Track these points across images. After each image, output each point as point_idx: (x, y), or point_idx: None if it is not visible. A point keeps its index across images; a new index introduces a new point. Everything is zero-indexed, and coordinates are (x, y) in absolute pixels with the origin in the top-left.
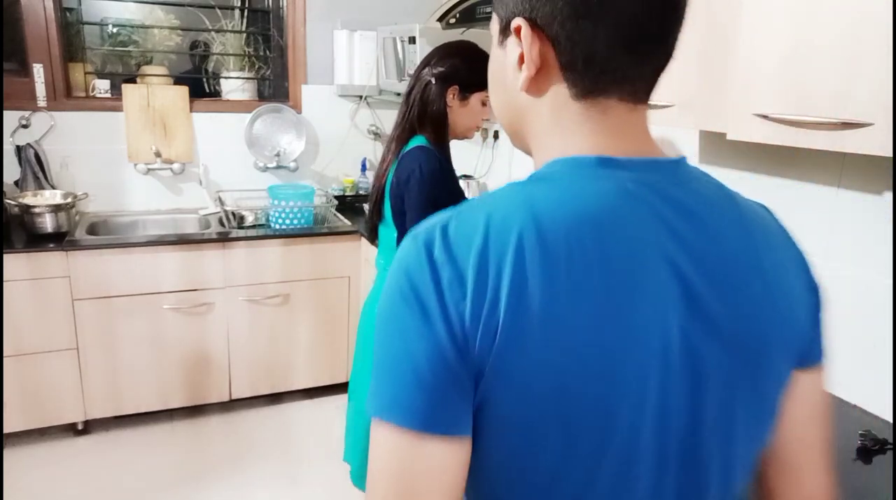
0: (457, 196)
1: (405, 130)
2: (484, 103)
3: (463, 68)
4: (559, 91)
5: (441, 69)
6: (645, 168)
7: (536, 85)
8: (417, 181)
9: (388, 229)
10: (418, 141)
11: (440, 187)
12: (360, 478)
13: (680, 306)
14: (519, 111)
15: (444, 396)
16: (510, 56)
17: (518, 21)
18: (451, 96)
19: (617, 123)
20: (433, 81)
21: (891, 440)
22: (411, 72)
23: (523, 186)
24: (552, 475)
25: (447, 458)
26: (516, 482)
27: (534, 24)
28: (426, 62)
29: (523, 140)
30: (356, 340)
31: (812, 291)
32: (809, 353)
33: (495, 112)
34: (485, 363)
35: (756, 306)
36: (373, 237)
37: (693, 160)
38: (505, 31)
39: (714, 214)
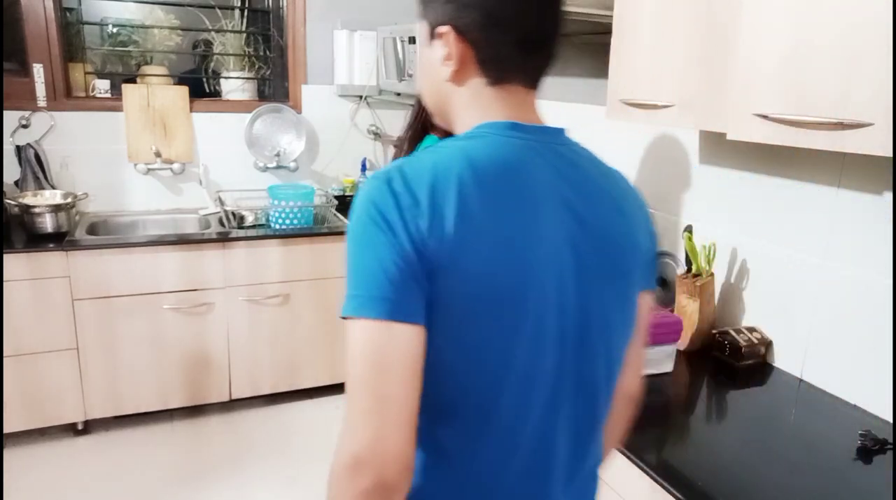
0: None
1: (417, 129)
2: None
3: None
4: (476, 80)
5: None
6: (540, 132)
7: (458, 76)
8: None
9: None
10: (432, 141)
11: None
12: None
13: (569, 223)
14: (444, 95)
15: (408, 290)
16: (437, 54)
17: (444, 28)
18: None
19: (519, 101)
20: None
21: (891, 440)
22: (411, 72)
23: (457, 141)
24: (482, 347)
25: (410, 340)
26: (458, 358)
27: (457, 31)
28: None
29: (446, 117)
30: None
31: (650, 235)
32: (647, 280)
33: (424, 96)
34: (437, 262)
35: (620, 234)
36: None
37: (693, 160)
38: (432, 34)
39: (588, 166)
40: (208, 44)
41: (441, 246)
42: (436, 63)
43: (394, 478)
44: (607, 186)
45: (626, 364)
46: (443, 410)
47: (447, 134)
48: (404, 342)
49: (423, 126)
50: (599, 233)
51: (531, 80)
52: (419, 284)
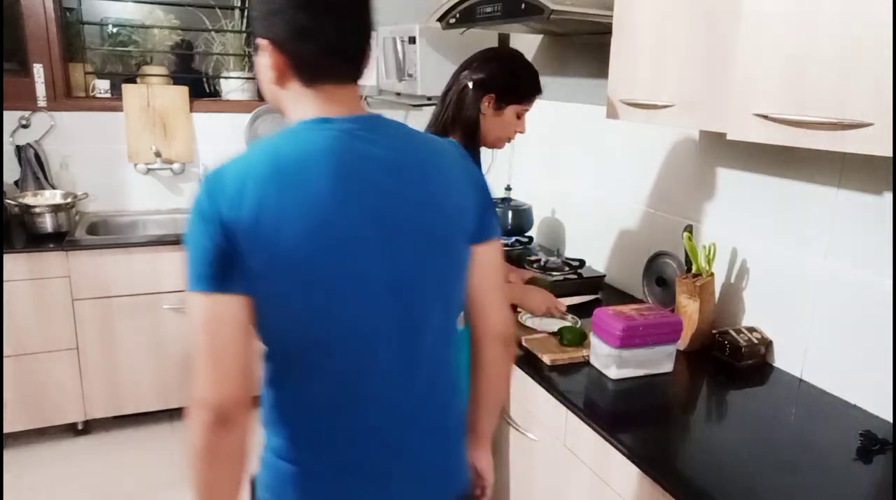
0: None
1: (438, 133)
2: (519, 116)
3: (503, 77)
4: (294, 83)
5: (480, 75)
6: (347, 121)
7: (280, 81)
8: None
9: None
10: (451, 144)
11: None
12: None
13: (371, 195)
14: (276, 97)
15: (224, 267)
16: (263, 61)
17: (263, 41)
18: (487, 104)
19: (329, 97)
20: (470, 86)
21: (891, 440)
22: (411, 72)
23: (274, 137)
24: (300, 308)
25: (230, 306)
26: (284, 317)
27: (273, 43)
28: (467, 64)
29: (283, 114)
30: None
31: (476, 190)
32: (480, 232)
33: (265, 97)
34: (244, 243)
35: (432, 196)
36: None
37: (693, 160)
38: (257, 46)
39: (398, 143)
40: (208, 44)
41: (246, 229)
42: (264, 69)
43: (228, 413)
44: (418, 157)
45: (484, 307)
46: (287, 357)
47: (468, 140)
48: (225, 308)
49: (443, 128)
50: (408, 199)
51: (343, 79)
52: (233, 261)
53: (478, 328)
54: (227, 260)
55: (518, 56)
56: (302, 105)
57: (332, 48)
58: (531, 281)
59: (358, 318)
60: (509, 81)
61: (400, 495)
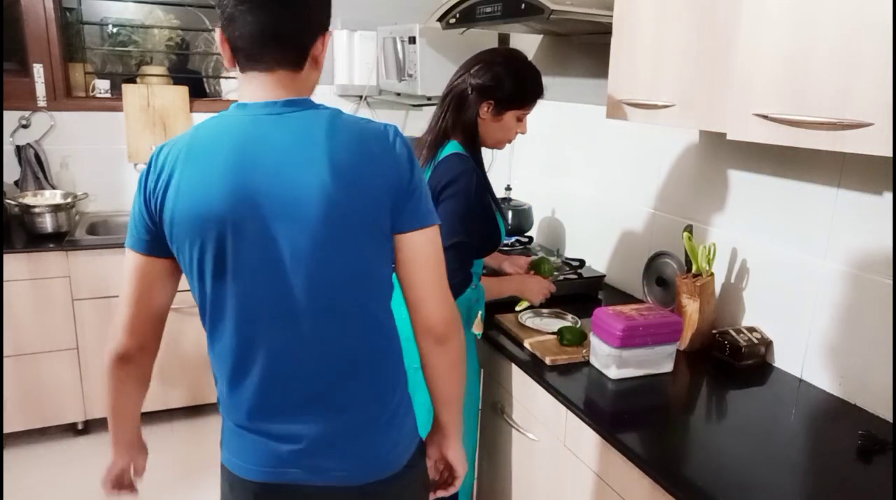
0: (488, 213)
1: (438, 135)
2: (519, 119)
3: (504, 84)
4: (238, 69)
5: (480, 80)
6: (261, 106)
7: (231, 65)
8: (454, 194)
9: None
10: (453, 147)
11: (474, 204)
12: None
13: (263, 183)
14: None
15: (142, 230)
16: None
17: (217, 29)
18: (485, 109)
19: (257, 84)
20: (470, 90)
21: (891, 440)
22: (411, 72)
23: (203, 122)
24: (194, 273)
25: (140, 262)
26: (189, 278)
27: (221, 30)
28: (469, 66)
29: None
30: None
31: (405, 179)
32: (401, 221)
33: None
34: (156, 210)
35: (325, 185)
36: None
37: (693, 160)
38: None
39: (306, 128)
40: (208, 44)
41: (157, 201)
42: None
43: (128, 354)
44: (322, 142)
45: (414, 301)
46: (203, 319)
47: (469, 143)
48: (136, 264)
49: (444, 131)
50: (294, 183)
51: (269, 66)
52: (149, 226)
53: (413, 323)
54: (145, 226)
55: (520, 59)
56: (240, 90)
57: (256, 37)
58: (536, 264)
59: (237, 295)
60: (510, 89)
61: (308, 468)
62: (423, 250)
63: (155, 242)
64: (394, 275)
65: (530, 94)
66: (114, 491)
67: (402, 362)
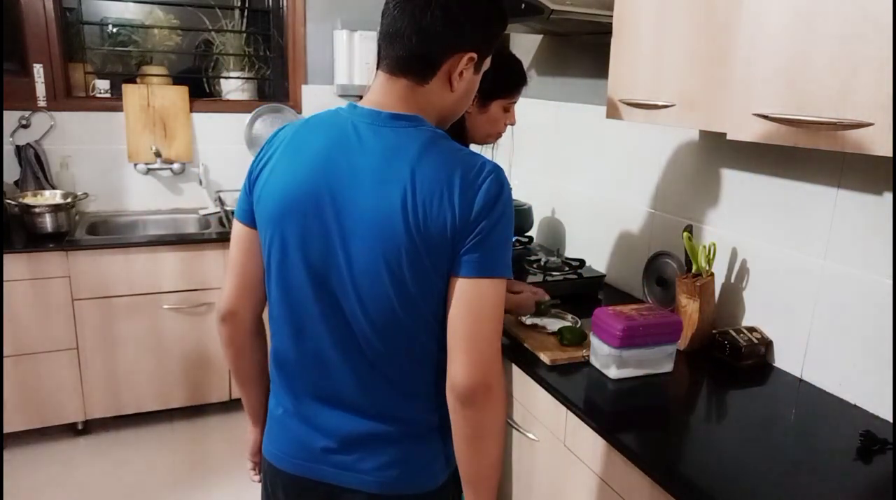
0: None
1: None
2: (507, 109)
3: (487, 72)
4: None
5: None
6: (364, 112)
7: None
8: None
9: None
10: None
11: None
12: None
13: (334, 188)
14: None
15: (246, 203)
16: None
17: None
18: (471, 103)
19: (378, 85)
20: None
21: (891, 440)
22: None
23: (314, 114)
24: (266, 251)
25: (249, 234)
26: (265, 255)
27: None
28: None
29: None
30: None
31: (467, 220)
32: (455, 266)
33: None
34: (252, 187)
35: (388, 212)
36: None
37: (693, 160)
38: None
39: (394, 149)
40: (208, 44)
41: (255, 176)
42: None
43: (228, 311)
44: (403, 170)
45: (450, 349)
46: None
47: (453, 135)
48: (238, 232)
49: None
50: (358, 202)
51: (390, 69)
52: (250, 199)
53: (448, 372)
54: (247, 199)
55: (500, 48)
56: (371, 87)
57: (391, 34)
58: (537, 305)
59: (293, 284)
60: (492, 78)
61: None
62: (471, 299)
63: (254, 215)
64: None
65: (514, 81)
66: (256, 471)
67: (431, 382)
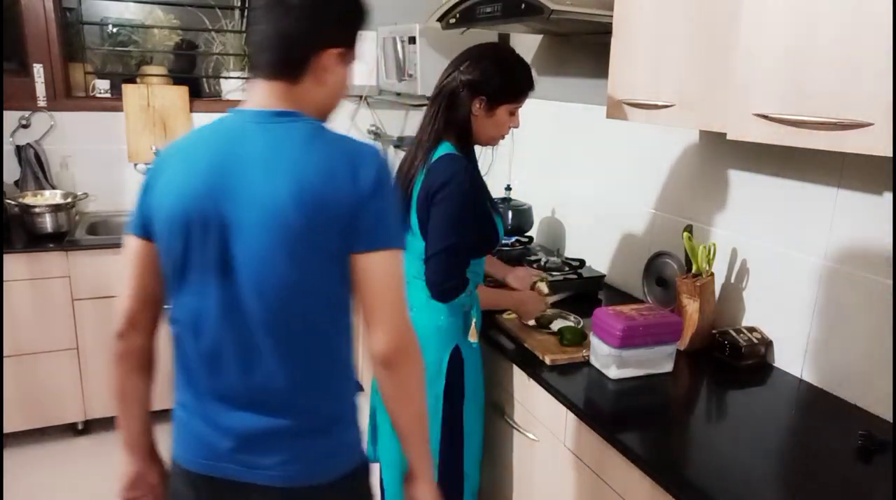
0: (484, 212)
1: (431, 136)
2: (512, 114)
3: (495, 78)
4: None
5: (470, 76)
6: (248, 113)
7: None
8: (448, 196)
9: (415, 239)
10: (446, 148)
11: (468, 205)
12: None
13: (221, 186)
14: None
15: (140, 217)
16: None
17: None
18: (478, 106)
19: (255, 91)
20: (461, 87)
21: (891, 440)
22: (411, 72)
23: (200, 126)
24: (162, 256)
25: (145, 248)
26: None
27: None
28: (457, 63)
29: None
30: None
31: (369, 201)
32: (355, 243)
33: None
34: (144, 200)
35: (273, 198)
36: None
37: (693, 160)
38: None
39: (279, 140)
40: (208, 44)
41: (148, 190)
42: None
43: (121, 327)
44: (290, 156)
45: (367, 325)
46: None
47: (462, 142)
48: (133, 247)
49: (436, 131)
50: (249, 193)
51: (267, 76)
52: (145, 213)
53: (368, 345)
54: (142, 213)
55: (509, 53)
56: (246, 96)
57: (258, 43)
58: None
59: (195, 285)
60: (501, 83)
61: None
62: (374, 273)
63: (150, 227)
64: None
65: (522, 86)
66: None
67: (349, 379)
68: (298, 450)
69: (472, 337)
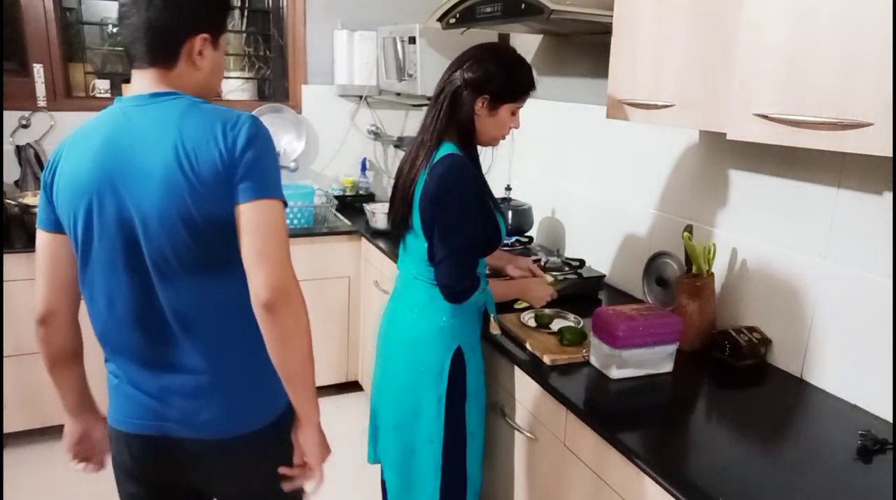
0: (487, 211)
1: (433, 135)
2: (514, 113)
3: (497, 77)
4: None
5: (473, 75)
6: (129, 99)
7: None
8: (452, 196)
9: (417, 240)
10: (448, 148)
11: (473, 204)
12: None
13: (112, 156)
14: None
15: (46, 212)
16: None
17: None
18: (480, 105)
19: (136, 80)
20: (464, 86)
21: (891, 440)
22: (411, 72)
23: (87, 121)
24: (72, 235)
25: (55, 240)
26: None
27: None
28: (460, 63)
29: None
30: (377, 344)
31: (234, 157)
32: (235, 195)
33: None
34: (49, 192)
35: (160, 166)
36: (396, 246)
37: (693, 160)
38: None
39: (159, 116)
40: None
41: (48, 181)
42: None
43: (42, 317)
44: (176, 126)
45: (247, 267)
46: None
47: (465, 142)
48: (44, 240)
49: (438, 131)
50: (138, 163)
51: (144, 63)
52: (49, 207)
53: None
54: (46, 207)
55: (510, 52)
56: (129, 87)
57: (131, 35)
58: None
59: (99, 256)
60: (504, 82)
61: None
62: (252, 221)
63: (56, 219)
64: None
65: (524, 85)
66: (76, 461)
67: (243, 329)
68: (226, 403)
69: (494, 329)
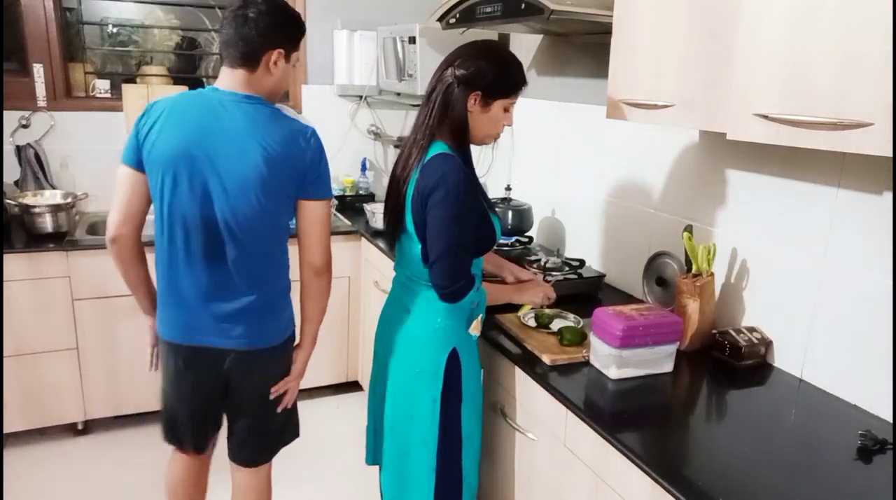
0: (480, 210)
1: (426, 134)
2: (506, 110)
3: (489, 73)
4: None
5: (464, 72)
6: (226, 93)
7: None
8: (443, 196)
9: (410, 242)
10: (440, 148)
11: (465, 203)
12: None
13: (204, 142)
14: None
15: (134, 152)
16: None
17: None
18: (473, 102)
19: (226, 76)
20: (455, 84)
21: (891, 440)
22: (411, 72)
23: (188, 92)
24: (152, 187)
25: (134, 176)
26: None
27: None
28: (451, 61)
29: None
30: (374, 346)
31: (303, 168)
32: (304, 193)
33: None
34: (142, 144)
35: (250, 151)
36: (392, 248)
37: (693, 160)
38: None
39: (240, 114)
40: (208, 44)
41: (142, 136)
42: None
43: (118, 234)
44: (247, 126)
45: (304, 246)
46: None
47: (458, 140)
48: (126, 174)
49: (431, 130)
50: (219, 151)
51: (231, 64)
52: (139, 150)
53: (300, 259)
54: (135, 150)
55: (502, 49)
56: (219, 79)
57: (226, 42)
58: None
59: (180, 211)
60: (496, 77)
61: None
62: (313, 213)
63: (140, 160)
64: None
65: (516, 80)
66: (154, 349)
67: (284, 276)
68: (258, 322)
69: (475, 330)
